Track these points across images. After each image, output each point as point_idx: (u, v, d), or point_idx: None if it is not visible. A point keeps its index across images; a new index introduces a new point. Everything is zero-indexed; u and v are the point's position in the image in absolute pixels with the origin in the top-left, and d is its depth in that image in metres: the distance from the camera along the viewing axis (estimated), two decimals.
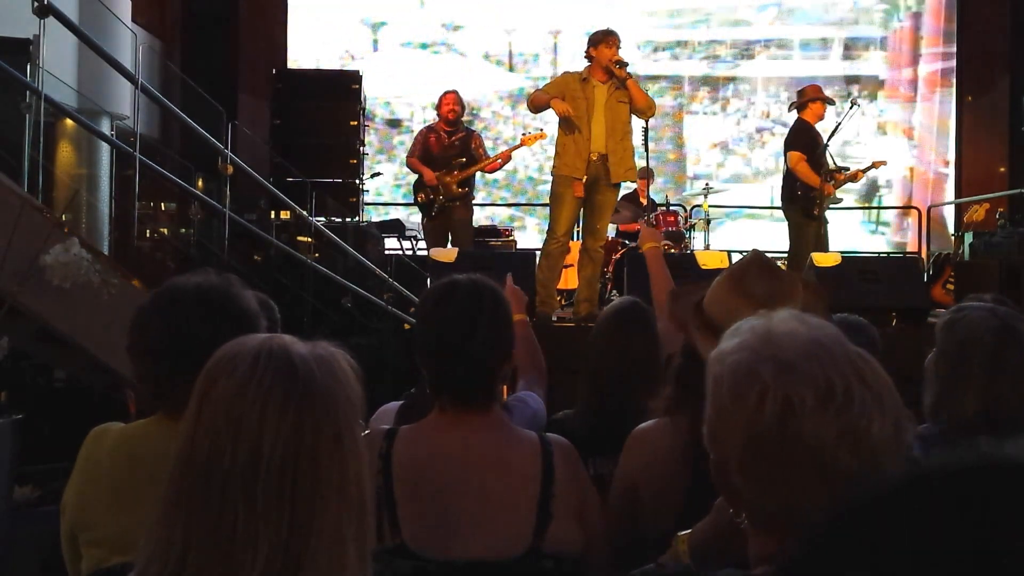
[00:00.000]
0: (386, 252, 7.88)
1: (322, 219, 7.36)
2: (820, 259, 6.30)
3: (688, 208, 9.12)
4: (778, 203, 7.30)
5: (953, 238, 9.33)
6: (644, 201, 7.78)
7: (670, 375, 2.05)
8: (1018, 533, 0.58)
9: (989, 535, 0.58)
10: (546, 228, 6.27)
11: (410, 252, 8.04)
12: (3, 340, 3.30)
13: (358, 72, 8.74)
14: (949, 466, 0.63)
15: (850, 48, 11.40)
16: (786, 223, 7.04)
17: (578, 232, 6.73)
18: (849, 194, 7.64)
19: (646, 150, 6.11)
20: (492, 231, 8.97)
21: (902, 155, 11.12)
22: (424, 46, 11.34)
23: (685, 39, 11.47)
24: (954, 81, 11.05)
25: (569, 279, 6.94)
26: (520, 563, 1.74)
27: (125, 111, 6.58)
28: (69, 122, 6.34)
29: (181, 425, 1.10)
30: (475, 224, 8.23)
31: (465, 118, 7.95)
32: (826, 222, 6.93)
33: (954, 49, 11.04)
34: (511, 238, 8.87)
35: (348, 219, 7.96)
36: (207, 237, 6.87)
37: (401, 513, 1.74)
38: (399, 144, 10.80)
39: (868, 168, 7.27)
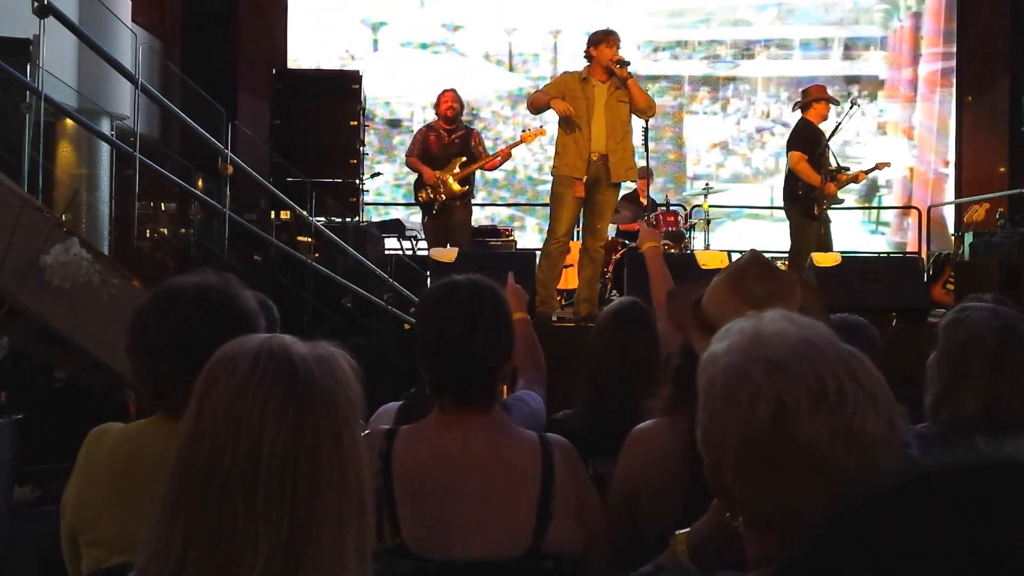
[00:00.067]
0: (386, 252, 7.88)
1: (322, 219, 7.36)
2: (820, 259, 6.30)
3: (688, 208, 9.13)
4: (778, 203, 7.31)
5: (953, 238, 9.33)
6: (644, 201, 7.78)
7: (668, 375, 2.05)
8: (1018, 533, 0.58)
9: (989, 535, 0.58)
10: (546, 228, 6.27)
11: (410, 252, 8.04)
12: (3, 340, 3.30)
13: (358, 72, 8.74)
14: (949, 466, 0.63)
15: (850, 48, 11.41)
16: (787, 223, 7.05)
17: (578, 232, 6.73)
18: (849, 194, 7.63)
19: (646, 150, 6.12)
20: (492, 231, 8.97)
21: (902, 155, 11.12)
22: (424, 46, 11.35)
23: (685, 39, 11.47)
24: (954, 81, 11.05)
25: (569, 279, 6.94)
26: (520, 563, 1.74)
27: (125, 111, 6.58)
28: (69, 122, 6.34)
29: (181, 425, 1.10)
30: (475, 224, 8.23)
31: (465, 118, 7.95)
32: (829, 222, 6.93)
33: (954, 49, 11.04)
34: (511, 238, 8.87)
35: (348, 219, 7.96)
36: (207, 237, 6.87)
37: (401, 513, 1.74)
38: (399, 144, 10.80)
39: (872, 169, 7.26)
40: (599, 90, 5.87)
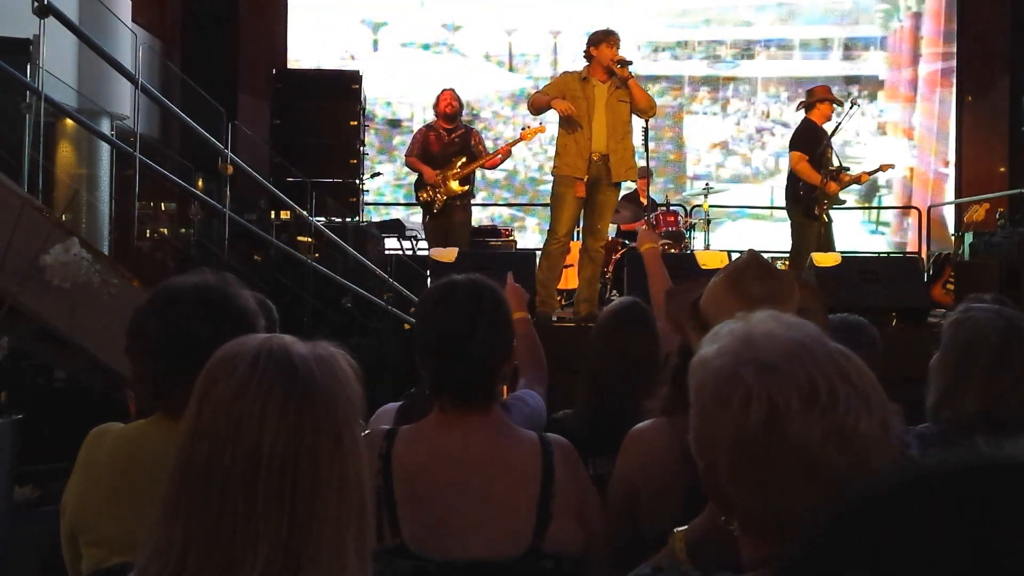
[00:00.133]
0: (386, 252, 7.88)
1: (322, 219, 7.36)
2: (820, 259, 6.30)
3: (688, 208, 9.13)
4: (778, 203, 7.31)
5: (953, 238, 9.33)
6: (644, 201, 7.78)
7: (667, 375, 2.05)
8: (1018, 533, 0.58)
9: (989, 535, 0.58)
10: (546, 228, 6.27)
11: (410, 252, 8.04)
12: (3, 340, 3.30)
13: (358, 72, 8.74)
14: (949, 466, 0.63)
15: (850, 48, 11.41)
16: (788, 223, 7.05)
17: (578, 232, 6.73)
18: (849, 194, 7.62)
19: (646, 150, 6.12)
20: (492, 231, 8.97)
21: (902, 155, 11.11)
22: (424, 46, 11.35)
23: (686, 39, 11.48)
24: (954, 81, 11.05)
25: (569, 279, 6.94)
26: (520, 563, 1.74)
27: (125, 111, 6.58)
28: (69, 122, 6.33)
29: (181, 425, 1.10)
30: (476, 224, 8.23)
31: (465, 118, 7.95)
32: (831, 222, 6.93)
33: (954, 49, 11.04)
34: (511, 238, 8.87)
35: (348, 219, 7.96)
36: (207, 237, 6.87)
37: (401, 513, 1.74)
38: (399, 144, 10.79)
39: (875, 171, 7.25)
40: (599, 90, 5.87)
